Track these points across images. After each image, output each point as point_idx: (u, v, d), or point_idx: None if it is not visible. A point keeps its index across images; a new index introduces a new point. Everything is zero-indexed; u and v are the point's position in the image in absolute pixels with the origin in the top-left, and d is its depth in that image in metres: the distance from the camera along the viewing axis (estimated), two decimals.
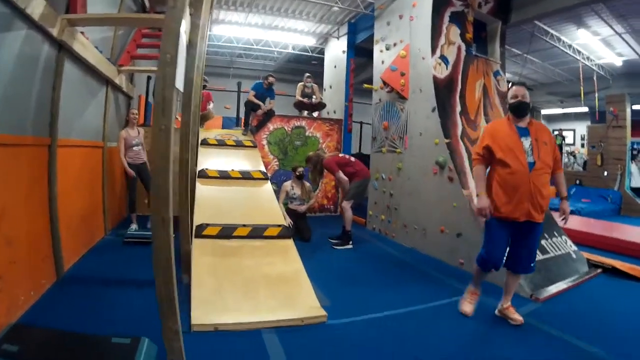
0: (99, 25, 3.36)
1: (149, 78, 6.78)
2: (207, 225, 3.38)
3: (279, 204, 5.00)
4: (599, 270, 3.92)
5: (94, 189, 4.29)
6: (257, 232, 3.42)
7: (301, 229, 4.98)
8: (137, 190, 4.83)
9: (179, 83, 1.75)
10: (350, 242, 4.76)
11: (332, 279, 3.56)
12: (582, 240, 4.93)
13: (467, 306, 2.81)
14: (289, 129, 6.84)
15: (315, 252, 4.52)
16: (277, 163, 6.75)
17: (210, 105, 6.52)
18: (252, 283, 2.90)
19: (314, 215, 6.71)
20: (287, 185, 5.21)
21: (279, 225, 3.55)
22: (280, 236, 3.46)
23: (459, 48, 4.79)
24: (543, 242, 3.75)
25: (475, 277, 2.85)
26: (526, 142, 2.53)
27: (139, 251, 4.11)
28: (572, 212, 6.84)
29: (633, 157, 12.01)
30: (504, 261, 2.68)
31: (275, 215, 3.86)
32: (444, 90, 4.59)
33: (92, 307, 2.70)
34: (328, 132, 7.09)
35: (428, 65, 4.64)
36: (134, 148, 4.67)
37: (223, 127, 8.05)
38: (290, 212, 5.01)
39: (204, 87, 6.14)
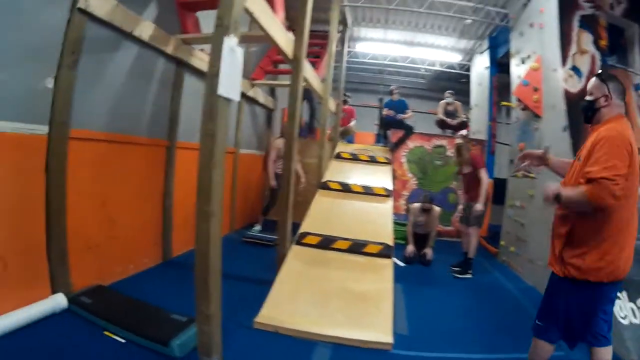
0: (206, 43, 3.54)
1: None
2: (309, 233, 3.57)
3: (408, 225, 5.10)
4: None
5: None
6: (356, 247, 3.47)
7: (423, 253, 5.04)
8: (277, 198, 5.01)
9: (232, 93, 2.03)
10: (470, 272, 4.59)
11: (426, 308, 3.46)
12: None
13: None
14: (430, 148, 6.74)
15: (427, 278, 4.47)
16: (416, 182, 6.68)
17: (352, 122, 6.90)
18: (329, 294, 2.94)
19: (449, 239, 6.44)
20: (415, 208, 5.15)
21: (381, 244, 3.53)
22: (379, 254, 3.44)
23: (592, 57, 4.21)
24: None
25: None
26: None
27: (254, 250, 4.32)
28: None
29: None
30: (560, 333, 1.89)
31: (383, 233, 3.78)
32: (577, 106, 3.98)
33: (180, 288, 2.74)
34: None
35: (558, 78, 4.15)
36: None
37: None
38: (414, 236, 5.07)
39: (345, 102, 6.69)
